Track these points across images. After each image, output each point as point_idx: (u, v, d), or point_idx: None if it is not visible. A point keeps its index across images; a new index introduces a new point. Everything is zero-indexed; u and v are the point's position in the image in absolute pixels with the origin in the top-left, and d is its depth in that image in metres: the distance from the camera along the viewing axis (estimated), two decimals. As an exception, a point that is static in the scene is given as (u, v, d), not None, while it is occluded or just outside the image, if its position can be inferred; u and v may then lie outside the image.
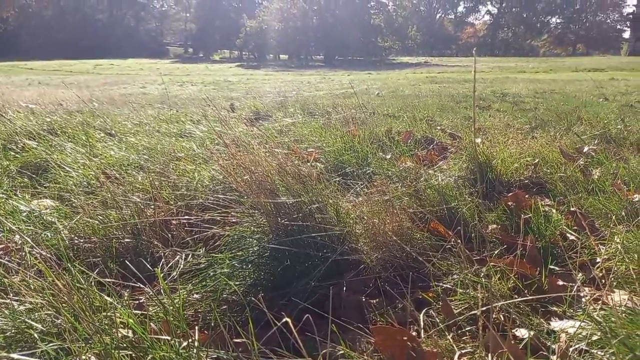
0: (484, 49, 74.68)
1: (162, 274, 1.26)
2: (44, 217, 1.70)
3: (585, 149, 2.81)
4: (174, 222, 1.59)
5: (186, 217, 1.55)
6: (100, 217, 1.53)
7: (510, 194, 1.86)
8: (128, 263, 1.22)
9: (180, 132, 3.66)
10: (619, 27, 72.44)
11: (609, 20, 73.26)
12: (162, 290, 1.09)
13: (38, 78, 21.68)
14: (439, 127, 3.86)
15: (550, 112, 5.32)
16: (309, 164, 2.60)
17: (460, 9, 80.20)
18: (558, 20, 76.52)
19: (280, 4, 51.04)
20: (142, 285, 1.16)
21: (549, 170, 2.37)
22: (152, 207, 1.58)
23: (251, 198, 1.31)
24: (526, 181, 2.24)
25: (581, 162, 2.50)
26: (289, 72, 30.78)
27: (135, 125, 4.15)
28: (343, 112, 5.32)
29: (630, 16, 57.91)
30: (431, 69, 29.25)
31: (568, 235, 1.62)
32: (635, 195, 1.95)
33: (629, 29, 61.06)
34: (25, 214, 1.76)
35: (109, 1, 79.31)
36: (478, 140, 3.48)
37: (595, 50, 69.47)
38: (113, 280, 1.21)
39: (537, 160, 2.46)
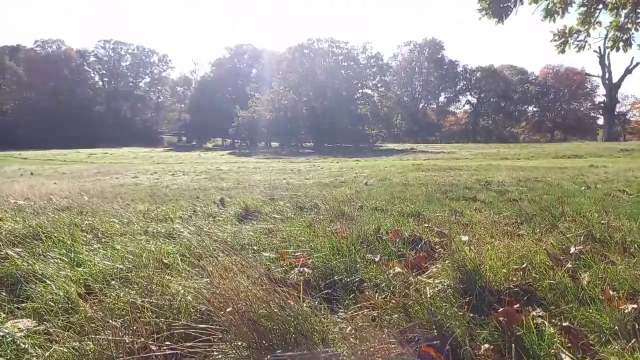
0: (467, 136, 78.28)
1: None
2: (18, 343, 1.62)
3: (572, 249, 2.83)
4: (153, 347, 1.52)
5: (167, 343, 1.48)
6: (76, 347, 1.45)
7: (501, 309, 1.83)
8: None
9: (168, 233, 3.65)
10: (592, 114, 76.83)
11: (582, 109, 77.85)
12: None
13: (31, 168, 21.93)
14: (426, 225, 3.89)
15: (534, 205, 5.43)
16: (296, 269, 2.57)
17: (442, 98, 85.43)
18: (534, 109, 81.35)
19: (272, 96, 53.85)
20: None
21: (537, 276, 2.36)
22: (131, 332, 1.52)
23: (234, 329, 1.27)
24: (515, 289, 2.22)
25: (569, 266, 2.50)
26: (279, 159, 31.62)
27: (123, 224, 4.13)
28: (332, 205, 5.39)
29: (602, 105, 61.76)
30: (417, 156, 30.29)
31: (563, 355, 1.57)
32: (626, 305, 1.93)
33: (602, 116, 64.67)
34: (-2, 337, 1.68)
35: (107, 94, 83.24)
36: (465, 238, 3.51)
37: (572, 136, 73.10)
38: None
39: (525, 264, 2.46)
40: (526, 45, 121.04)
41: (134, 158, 35.83)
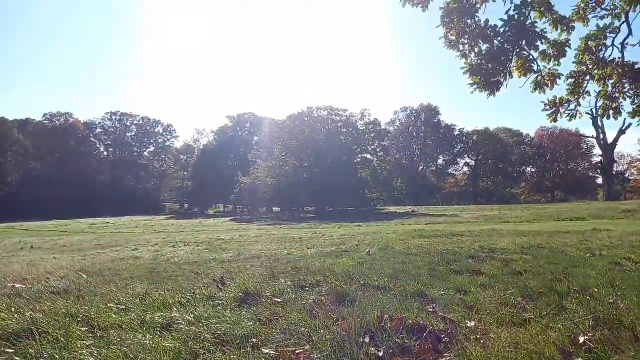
0: (467, 197, 78.51)
1: None
2: None
3: (581, 339, 2.74)
4: None
5: None
6: None
7: None
8: None
9: (166, 324, 3.55)
10: (591, 174, 77.32)
11: (580, 169, 78.59)
12: None
13: (32, 240, 21.81)
14: (430, 309, 3.79)
15: (539, 279, 5.33)
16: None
17: (440, 161, 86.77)
18: (533, 170, 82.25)
19: (273, 162, 54.82)
20: None
21: (548, 376, 2.27)
22: None
23: None
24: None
25: (580, 361, 2.41)
26: (281, 225, 31.50)
27: (120, 312, 4.03)
28: (333, 283, 5.30)
29: (600, 165, 62.34)
30: (419, 220, 30.19)
31: None
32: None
33: (601, 176, 64.97)
34: None
35: (111, 163, 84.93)
36: (471, 324, 3.42)
37: (573, 195, 73.10)
38: None
39: (534, 361, 2.38)
40: (520, 108, 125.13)
41: (135, 227, 35.76)
